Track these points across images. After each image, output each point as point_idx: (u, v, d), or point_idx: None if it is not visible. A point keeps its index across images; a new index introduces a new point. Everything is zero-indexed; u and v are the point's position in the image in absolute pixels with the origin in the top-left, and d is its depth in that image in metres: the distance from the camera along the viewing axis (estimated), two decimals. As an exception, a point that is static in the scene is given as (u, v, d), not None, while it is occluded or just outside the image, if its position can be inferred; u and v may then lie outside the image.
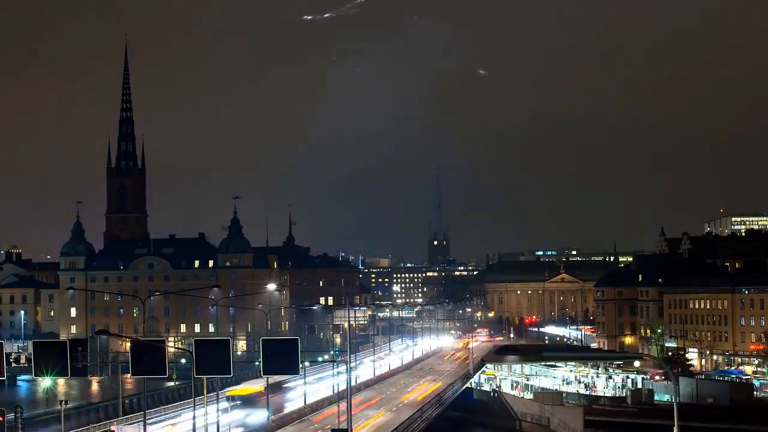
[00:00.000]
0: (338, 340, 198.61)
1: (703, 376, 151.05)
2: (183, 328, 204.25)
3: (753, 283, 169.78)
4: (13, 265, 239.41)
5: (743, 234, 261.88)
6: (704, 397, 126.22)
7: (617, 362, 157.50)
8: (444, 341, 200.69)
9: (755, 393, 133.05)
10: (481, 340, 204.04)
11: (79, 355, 55.46)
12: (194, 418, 62.17)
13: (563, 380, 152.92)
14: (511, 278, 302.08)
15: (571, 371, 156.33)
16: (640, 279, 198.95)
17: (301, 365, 58.85)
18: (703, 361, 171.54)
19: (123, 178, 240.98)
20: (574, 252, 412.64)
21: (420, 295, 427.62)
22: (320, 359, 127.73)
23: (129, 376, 57.17)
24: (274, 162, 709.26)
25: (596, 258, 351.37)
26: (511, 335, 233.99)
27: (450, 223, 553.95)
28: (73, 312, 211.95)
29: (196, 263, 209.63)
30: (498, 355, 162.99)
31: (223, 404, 74.03)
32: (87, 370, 58.14)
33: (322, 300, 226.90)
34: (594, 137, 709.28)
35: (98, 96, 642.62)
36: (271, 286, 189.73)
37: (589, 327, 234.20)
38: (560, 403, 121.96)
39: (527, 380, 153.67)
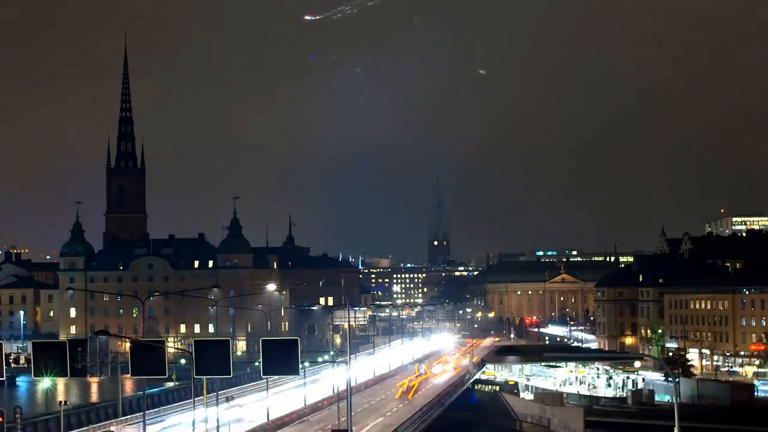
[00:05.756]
0: (338, 340, 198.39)
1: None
2: (183, 328, 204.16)
3: (754, 283, 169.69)
4: (12, 265, 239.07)
5: (744, 234, 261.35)
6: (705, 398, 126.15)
7: (618, 362, 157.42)
8: (444, 342, 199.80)
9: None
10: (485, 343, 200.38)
11: (78, 355, 55.24)
12: (194, 420, 62.01)
13: (564, 381, 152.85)
14: (511, 278, 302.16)
15: (571, 372, 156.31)
16: (641, 279, 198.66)
17: (300, 365, 58.64)
18: (704, 361, 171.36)
19: (123, 178, 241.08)
20: (574, 252, 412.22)
21: (420, 295, 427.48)
22: (320, 359, 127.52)
23: (128, 376, 56.85)
24: (274, 162, 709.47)
25: (596, 258, 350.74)
26: (512, 335, 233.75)
27: (450, 223, 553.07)
28: (73, 312, 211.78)
29: (196, 263, 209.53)
30: (498, 355, 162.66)
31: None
32: (86, 370, 57.93)
33: (322, 300, 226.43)
34: (594, 137, 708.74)
35: (98, 96, 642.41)
36: (271, 287, 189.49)
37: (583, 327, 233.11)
38: (561, 403, 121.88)
39: (528, 380, 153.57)
